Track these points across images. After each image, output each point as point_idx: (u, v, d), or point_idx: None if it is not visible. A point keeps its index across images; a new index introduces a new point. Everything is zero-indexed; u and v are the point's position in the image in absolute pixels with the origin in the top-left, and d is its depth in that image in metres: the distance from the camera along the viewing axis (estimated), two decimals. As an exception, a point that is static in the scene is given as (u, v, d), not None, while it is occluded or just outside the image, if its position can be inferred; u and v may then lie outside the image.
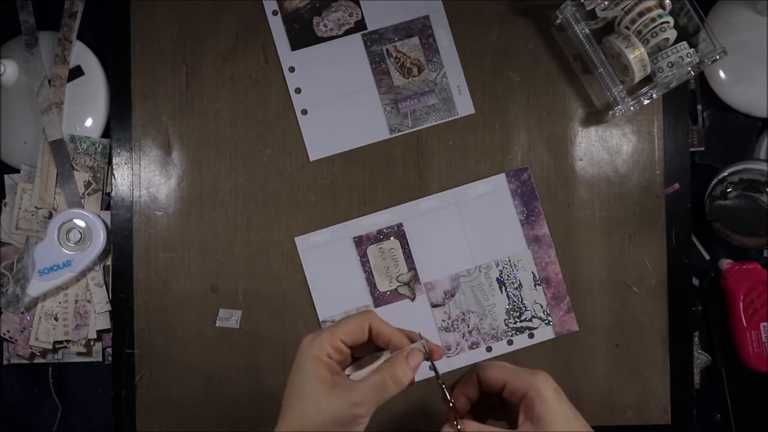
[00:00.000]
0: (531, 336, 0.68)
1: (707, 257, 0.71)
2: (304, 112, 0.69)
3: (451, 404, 0.51)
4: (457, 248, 0.68)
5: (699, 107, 0.70)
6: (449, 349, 0.68)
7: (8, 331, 0.69)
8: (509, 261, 0.68)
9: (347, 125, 0.68)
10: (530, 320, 0.68)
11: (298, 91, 0.69)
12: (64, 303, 0.69)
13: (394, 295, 0.68)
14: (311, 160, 0.69)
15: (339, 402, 0.47)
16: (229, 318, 0.69)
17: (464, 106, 0.68)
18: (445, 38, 0.68)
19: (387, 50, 0.68)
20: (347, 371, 0.50)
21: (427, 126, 0.68)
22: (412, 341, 0.51)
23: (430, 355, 0.50)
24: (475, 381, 0.54)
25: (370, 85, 0.68)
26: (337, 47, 0.69)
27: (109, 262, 0.70)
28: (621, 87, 0.65)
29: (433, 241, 0.68)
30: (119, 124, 0.69)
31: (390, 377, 0.48)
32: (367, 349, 0.52)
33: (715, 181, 0.69)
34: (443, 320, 0.68)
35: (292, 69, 0.69)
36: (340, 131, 0.68)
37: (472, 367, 0.53)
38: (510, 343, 0.68)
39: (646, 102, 0.65)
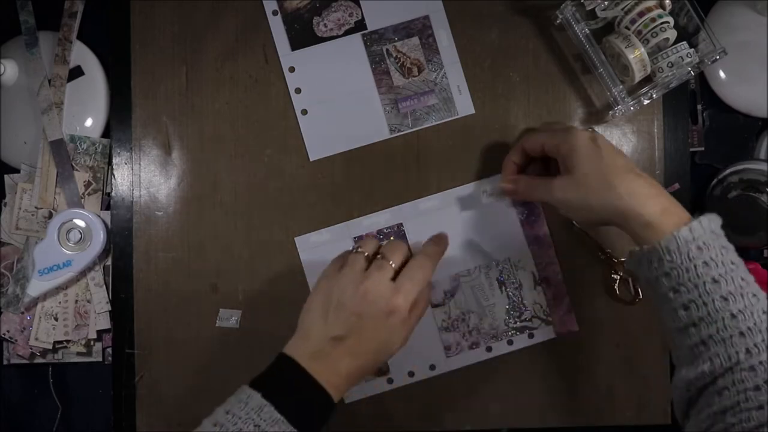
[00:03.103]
0: (531, 336, 0.68)
1: (707, 257, 0.71)
2: (304, 112, 0.69)
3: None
4: (456, 248, 0.68)
5: (699, 107, 0.70)
6: (449, 349, 0.68)
7: (8, 331, 0.69)
8: (509, 261, 0.68)
9: (347, 125, 0.68)
10: (530, 320, 0.68)
11: (298, 91, 0.69)
12: (64, 303, 0.69)
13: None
14: (311, 160, 0.69)
15: None
16: (229, 318, 0.69)
17: (464, 106, 0.68)
18: (445, 38, 0.68)
19: (387, 50, 0.68)
20: None
21: (427, 126, 0.68)
22: None
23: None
24: (520, 150, 0.63)
25: (370, 85, 0.68)
26: (337, 47, 0.69)
27: (109, 262, 0.70)
28: (621, 87, 0.65)
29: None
30: (119, 124, 0.69)
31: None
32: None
33: (715, 181, 0.69)
34: (443, 320, 0.68)
35: (292, 69, 0.69)
36: (340, 131, 0.68)
37: (519, 138, 0.67)
38: (510, 343, 0.68)
39: (646, 102, 0.65)
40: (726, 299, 0.48)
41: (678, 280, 0.49)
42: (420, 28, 0.69)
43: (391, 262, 0.56)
